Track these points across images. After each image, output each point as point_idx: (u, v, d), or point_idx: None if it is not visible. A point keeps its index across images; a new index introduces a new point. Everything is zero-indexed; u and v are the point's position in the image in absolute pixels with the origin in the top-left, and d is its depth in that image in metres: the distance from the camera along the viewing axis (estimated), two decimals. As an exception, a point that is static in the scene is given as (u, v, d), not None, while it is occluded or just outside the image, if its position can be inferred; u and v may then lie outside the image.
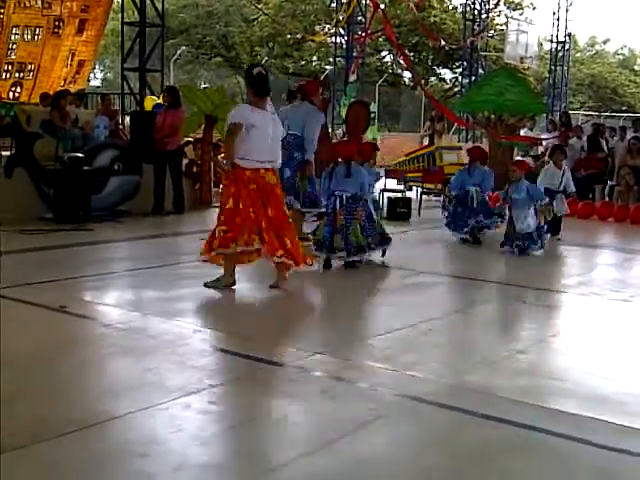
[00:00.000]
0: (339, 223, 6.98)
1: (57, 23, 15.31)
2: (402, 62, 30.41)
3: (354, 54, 22.35)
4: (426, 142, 17.07)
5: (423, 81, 30.47)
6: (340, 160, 7.31)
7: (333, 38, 24.65)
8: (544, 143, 15.14)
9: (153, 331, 4.86)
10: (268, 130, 5.87)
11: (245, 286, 6.67)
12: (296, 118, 8.26)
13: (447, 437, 3.37)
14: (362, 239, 7.01)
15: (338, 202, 7.00)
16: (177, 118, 10.93)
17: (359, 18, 23.32)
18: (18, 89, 15.55)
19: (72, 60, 15.43)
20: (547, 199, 8.53)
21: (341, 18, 22.50)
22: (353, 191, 7.04)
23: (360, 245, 7.00)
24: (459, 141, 22.94)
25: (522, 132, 16.55)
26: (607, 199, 13.27)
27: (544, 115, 21.49)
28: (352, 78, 17.78)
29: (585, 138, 14.48)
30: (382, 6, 20.92)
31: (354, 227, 6.98)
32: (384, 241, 7.42)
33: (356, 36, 22.35)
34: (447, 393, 3.86)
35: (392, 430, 3.42)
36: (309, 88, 8.55)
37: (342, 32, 23.71)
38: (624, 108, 41.87)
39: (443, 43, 28.02)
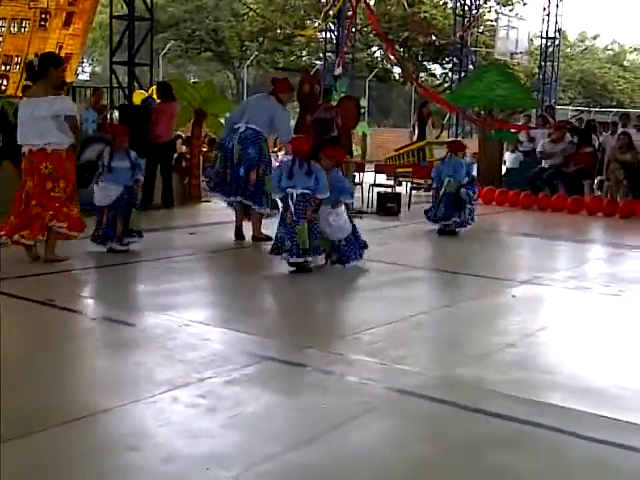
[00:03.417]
0: (289, 221, 6.55)
1: (44, 16, 15.15)
2: (391, 57, 30.25)
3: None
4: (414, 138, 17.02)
5: (413, 75, 30.38)
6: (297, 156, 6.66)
7: (323, 33, 24.58)
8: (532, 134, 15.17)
9: (142, 325, 4.85)
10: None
11: (233, 280, 6.65)
12: (257, 113, 7.98)
13: (437, 430, 3.36)
14: (307, 241, 6.48)
15: (290, 199, 6.54)
16: (172, 111, 10.99)
17: (349, 13, 23.26)
18: (4, 82, 15.40)
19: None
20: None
21: (330, 13, 22.42)
22: (305, 188, 6.51)
23: (305, 248, 6.49)
24: (449, 137, 22.91)
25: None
26: (598, 193, 13.31)
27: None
28: (337, 71, 17.59)
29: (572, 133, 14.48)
30: (372, 2, 20.86)
31: (301, 227, 6.48)
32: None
33: (345, 31, 22.29)
34: (436, 386, 3.84)
35: (381, 423, 3.40)
36: (282, 86, 8.26)
37: (332, 27, 23.66)
38: (613, 104, 42.04)
39: (434, 38, 27.99)
